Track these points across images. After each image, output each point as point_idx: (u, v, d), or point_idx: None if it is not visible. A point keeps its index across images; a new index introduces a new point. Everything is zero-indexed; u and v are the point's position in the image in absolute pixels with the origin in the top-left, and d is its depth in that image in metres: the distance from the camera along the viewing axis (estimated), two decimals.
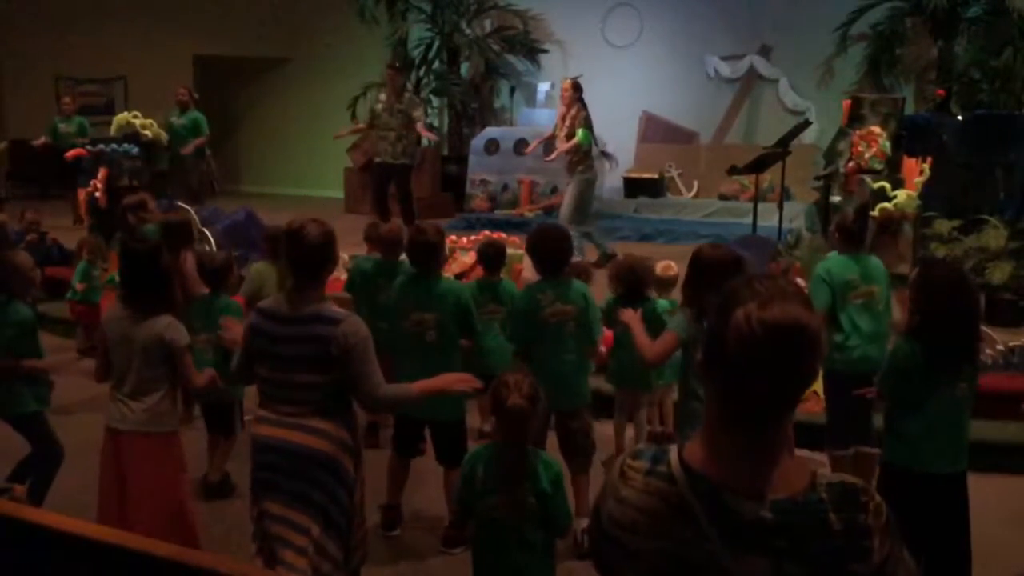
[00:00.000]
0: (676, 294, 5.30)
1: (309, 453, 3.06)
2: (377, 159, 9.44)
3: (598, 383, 5.17)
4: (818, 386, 4.98)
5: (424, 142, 9.59)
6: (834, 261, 4.59)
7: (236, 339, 3.44)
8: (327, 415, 3.08)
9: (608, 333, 5.00)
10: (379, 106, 9.34)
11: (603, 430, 5.27)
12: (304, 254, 3.12)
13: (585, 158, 8.35)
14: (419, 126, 9.23)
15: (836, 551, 1.36)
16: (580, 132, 8.21)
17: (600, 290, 5.50)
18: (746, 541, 1.36)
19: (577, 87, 8.43)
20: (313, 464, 3.06)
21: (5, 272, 4.19)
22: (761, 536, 1.36)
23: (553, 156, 8.58)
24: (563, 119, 8.48)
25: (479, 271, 5.67)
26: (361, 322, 3.14)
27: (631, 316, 3.88)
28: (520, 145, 12.19)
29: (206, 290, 5.05)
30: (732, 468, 1.40)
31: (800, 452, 4.99)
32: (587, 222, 8.73)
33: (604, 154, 8.53)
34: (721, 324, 1.39)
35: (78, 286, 6.76)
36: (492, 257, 5.15)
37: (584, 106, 8.40)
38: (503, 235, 7.40)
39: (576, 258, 7.67)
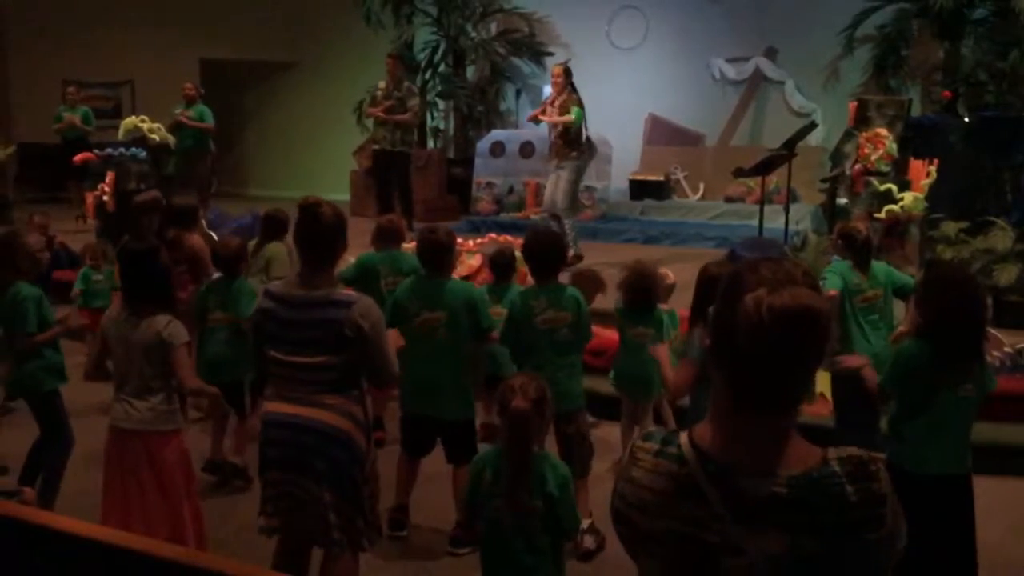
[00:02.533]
0: (673, 303, 5.32)
1: (321, 427, 3.08)
2: (375, 146, 9.52)
3: (601, 385, 5.20)
4: (826, 389, 4.98)
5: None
6: (840, 266, 4.61)
7: None
8: (339, 392, 3.11)
9: (611, 338, 5.03)
10: (379, 93, 9.45)
11: (610, 432, 5.29)
12: (317, 234, 3.14)
13: (576, 143, 8.28)
14: (408, 115, 9.32)
15: (854, 522, 1.37)
16: (575, 110, 8.15)
17: (609, 297, 5.53)
18: (760, 518, 1.36)
19: (568, 72, 8.39)
20: (325, 438, 3.08)
21: (12, 252, 4.26)
22: (776, 512, 1.36)
23: (543, 118, 8.41)
24: (552, 103, 8.39)
25: (485, 275, 5.70)
26: (373, 303, 3.18)
27: (662, 352, 3.86)
28: (526, 148, 12.21)
29: (212, 270, 5.19)
30: (743, 448, 1.40)
31: None
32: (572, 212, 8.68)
33: (589, 140, 8.41)
34: (728, 310, 1.39)
35: (75, 292, 6.78)
36: (503, 266, 5.19)
37: (575, 90, 8.34)
38: (509, 238, 7.40)
39: (570, 252, 7.66)
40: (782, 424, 1.42)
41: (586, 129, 8.40)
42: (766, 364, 1.36)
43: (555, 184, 8.32)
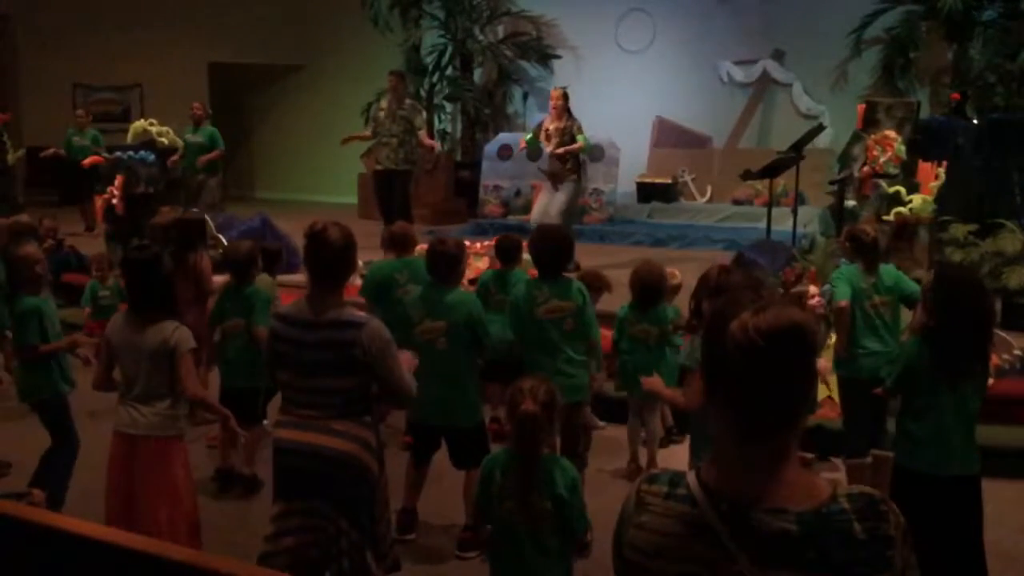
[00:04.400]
0: (678, 301, 5.32)
1: (332, 454, 3.08)
2: (379, 166, 9.43)
3: (608, 386, 5.21)
4: (834, 391, 4.97)
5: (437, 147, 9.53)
6: (848, 270, 4.61)
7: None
8: (349, 417, 3.11)
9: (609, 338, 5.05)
10: (381, 113, 9.30)
11: (618, 433, 5.29)
12: (326, 258, 3.14)
13: (577, 166, 8.39)
14: (422, 134, 9.23)
15: (862, 561, 1.37)
16: (582, 137, 8.24)
17: (614, 298, 5.52)
18: (773, 556, 1.36)
19: (567, 96, 8.45)
20: (336, 465, 3.08)
21: (9, 265, 4.32)
22: (788, 550, 1.36)
23: (562, 151, 8.29)
24: (552, 127, 8.38)
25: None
26: (383, 325, 3.18)
27: (655, 383, 3.87)
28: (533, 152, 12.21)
29: (215, 288, 5.29)
30: (751, 483, 1.40)
31: (807, 455, 4.98)
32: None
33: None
34: (717, 341, 1.41)
35: (85, 310, 6.94)
36: (508, 249, 5.25)
37: (572, 116, 8.40)
38: None
39: None
40: (787, 451, 1.42)
41: (583, 153, 8.52)
42: (763, 386, 1.37)
43: (547, 202, 8.31)
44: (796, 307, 1.44)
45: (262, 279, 5.49)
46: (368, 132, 9.50)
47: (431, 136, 13.09)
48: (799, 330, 1.38)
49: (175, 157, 10.24)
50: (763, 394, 1.38)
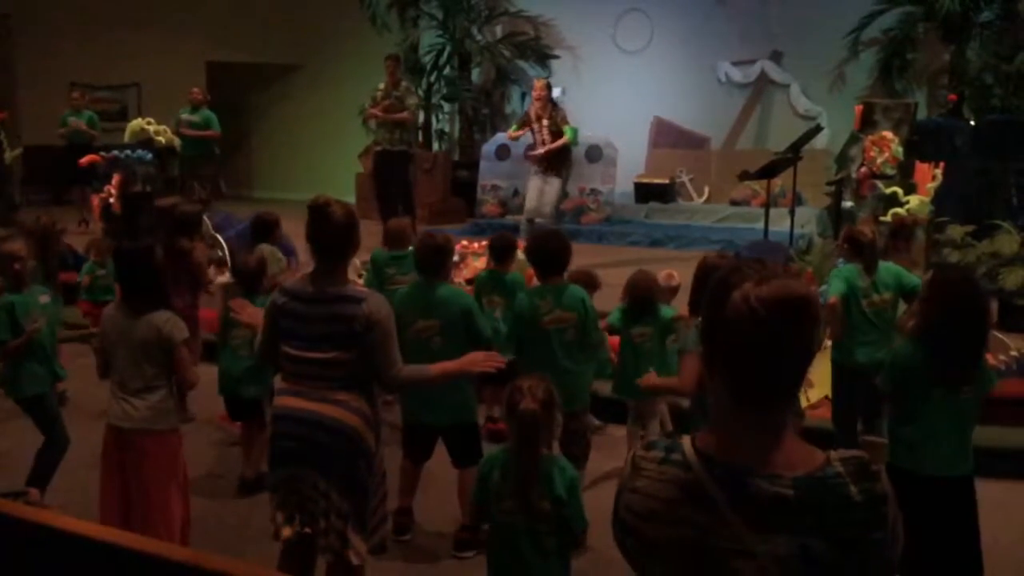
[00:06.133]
0: (677, 303, 5.33)
1: (330, 423, 3.09)
2: (377, 148, 9.64)
3: (606, 387, 5.20)
4: (828, 390, 4.98)
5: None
6: (847, 269, 4.62)
7: (253, 321, 3.51)
8: (350, 389, 3.13)
9: (612, 340, 5.06)
10: (378, 94, 9.57)
11: (617, 432, 5.29)
12: (329, 234, 3.15)
13: (567, 156, 8.40)
14: (406, 113, 9.36)
15: (859, 522, 1.38)
16: (568, 129, 8.24)
17: (608, 298, 5.53)
18: (769, 521, 1.37)
19: (550, 87, 8.47)
20: (333, 433, 3.09)
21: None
22: (784, 514, 1.37)
23: (544, 151, 8.32)
24: (540, 120, 8.36)
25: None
26: (384, 300, 3.20)
27: (650, 379, 3.92)
28: (531, 151, 12.22)
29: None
30: (747, 450, 1.41)
31: None
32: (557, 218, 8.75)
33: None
34: (718, 311, 1.41)
35: (84, 279, 6.91)
36: (501, 249, 5.26)
37: (556, 105, 8.42)
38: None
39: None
40: (783, 420, 1.43)
41: (572, 145, 8.56)
42: (761, 354, 1.38)
43: (540, 191, 8.32)
44: (795, 278, 1.44)
45: (264, 248, 5.51)
46: (379, 112, 9.63)
47: (429, 134, 13.25)
48: (801, 301, 1.39)
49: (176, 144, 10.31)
50: (762, 363, 1.39)
